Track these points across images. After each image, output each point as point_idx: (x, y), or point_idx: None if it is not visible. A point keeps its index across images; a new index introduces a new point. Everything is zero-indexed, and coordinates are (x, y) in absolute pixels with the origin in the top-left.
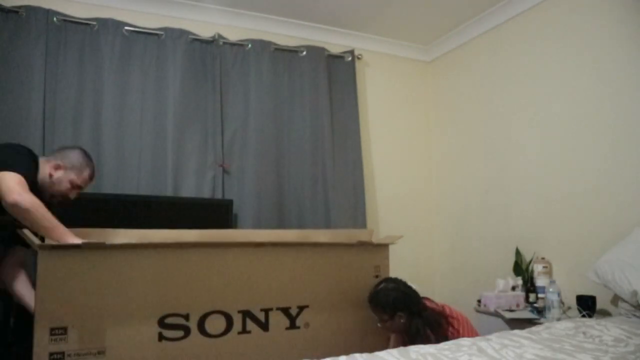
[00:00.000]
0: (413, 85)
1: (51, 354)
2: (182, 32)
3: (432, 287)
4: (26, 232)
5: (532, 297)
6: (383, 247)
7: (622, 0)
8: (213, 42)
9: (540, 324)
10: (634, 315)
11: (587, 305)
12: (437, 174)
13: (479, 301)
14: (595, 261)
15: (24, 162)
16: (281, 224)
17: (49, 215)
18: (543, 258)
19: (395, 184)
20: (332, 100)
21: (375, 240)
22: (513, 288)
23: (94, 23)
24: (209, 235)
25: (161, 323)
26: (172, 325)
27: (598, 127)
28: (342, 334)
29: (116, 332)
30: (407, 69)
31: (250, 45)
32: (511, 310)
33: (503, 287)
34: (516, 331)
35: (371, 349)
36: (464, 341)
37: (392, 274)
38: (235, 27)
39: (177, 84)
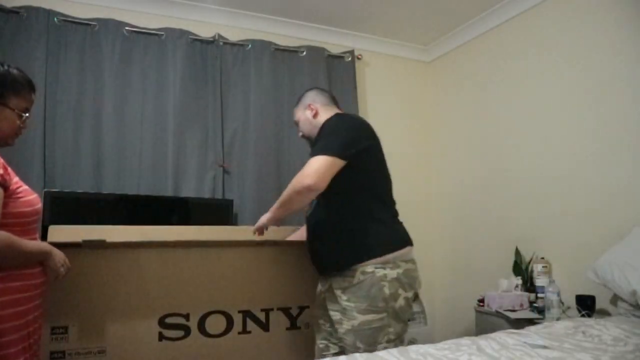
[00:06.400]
0: (413, 85)
1: (52, 353)
2: (183, 33)
3: (432, 287)
4: None
5: (531, 296)
6: None
7: (620, 2)
8: (213, 43)
9: (540, 323)
10: (633, 314)
11: (586, 304)
12: (437, 173)
13: (479, 301)
14: (594, 261)
15: None
16: (281, 224)
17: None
18: (542, 258)
19: (395, 184)
20: None
21: None
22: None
23: (95, 23)
24: (207, 231)
25: (161, 323)
26: (172, 325)
27: (597, 126)
28: None
29: (116, 332)
30: (407, 69)
31: (250, 46)
32: (513, 310)
33: (506, 287)
34: (516, 330)
35: (371, 349)
36: (464, 340)
37: None
38: (236, 27)
39: (178, 84)
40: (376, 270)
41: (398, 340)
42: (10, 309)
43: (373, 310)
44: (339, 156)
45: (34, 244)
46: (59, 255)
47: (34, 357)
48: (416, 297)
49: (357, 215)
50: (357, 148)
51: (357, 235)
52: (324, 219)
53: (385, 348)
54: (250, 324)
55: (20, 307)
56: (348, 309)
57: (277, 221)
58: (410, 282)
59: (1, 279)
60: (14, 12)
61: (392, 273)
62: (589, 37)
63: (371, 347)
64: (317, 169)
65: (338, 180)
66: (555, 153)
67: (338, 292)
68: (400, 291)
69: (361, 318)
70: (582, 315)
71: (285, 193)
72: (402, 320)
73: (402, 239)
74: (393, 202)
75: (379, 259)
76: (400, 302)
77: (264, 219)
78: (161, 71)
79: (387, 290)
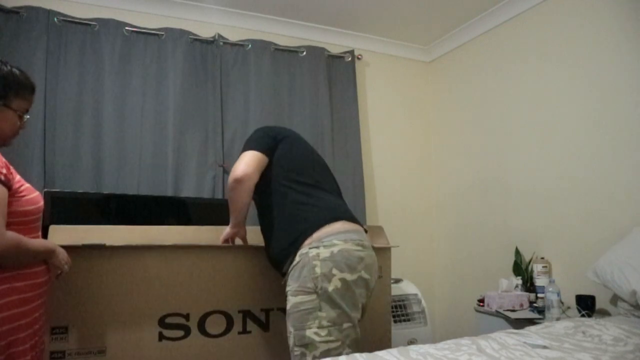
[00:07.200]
0: (413, 85)
1: (52, 353)
2: (183, 33)
3: (432, 287)
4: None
5: (531, 296)
6: (385, 248)
7: (621, 2)
8: (213, 42)
9: (540, 323)
10: (633, 314)
11: (586, 304)
12: (437, 173)
13: (479, 301)
14: (594, 261)
15: None
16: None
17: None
18: (542, 258)
19: (395, 184)
20: (332, 100)
21: (376, 244)
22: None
23: (95, 23)
24: (207, 231)
25: (161, 323)
26: (172, 325)
27: (598, 127)
28: None
29: (116, 332)
30: (407, 69)
31: (250, 46)
32: (513, 310)
33: (506, 287)
34: (516, 330)
35: (371, 349)
36: (464, 340)
37: (393, 273)
38: (235, 27)
39: (178, 84)
40: (310, 250)
41: (335, 329)
42: (17, 308)
43: (302, 291)
44: (259, 150)
45: (40, 242)
46: (62, 253)
47: (39, 355)
48: (367, 284)
49: (286, 207)
50: (271, 142)
51: (289, 224)
52: (263, 223)
53: (316, 334)
54: (250, 324)
55: (27, 305)
56: (287, 294)
57: (238, 226)
58: (349, 263)
59: (7, 279)
60: (14, 12)
61: (325, 252)
62: (588, 38)
63: (300, 332)
64: (245, 162)
65: (263, 181)
66: (556, 153)
67: (286, 281)
68: (335, 271)
69: (293, 300)
70: (582, 315)
71: (228, 196)
72: (337, 305)
73: (330, 215)
74: (320, 186)
75: (311, 238)
76: (335, 283)
77: (227, 229)
78: (161, 71)
79: (318, 270)
